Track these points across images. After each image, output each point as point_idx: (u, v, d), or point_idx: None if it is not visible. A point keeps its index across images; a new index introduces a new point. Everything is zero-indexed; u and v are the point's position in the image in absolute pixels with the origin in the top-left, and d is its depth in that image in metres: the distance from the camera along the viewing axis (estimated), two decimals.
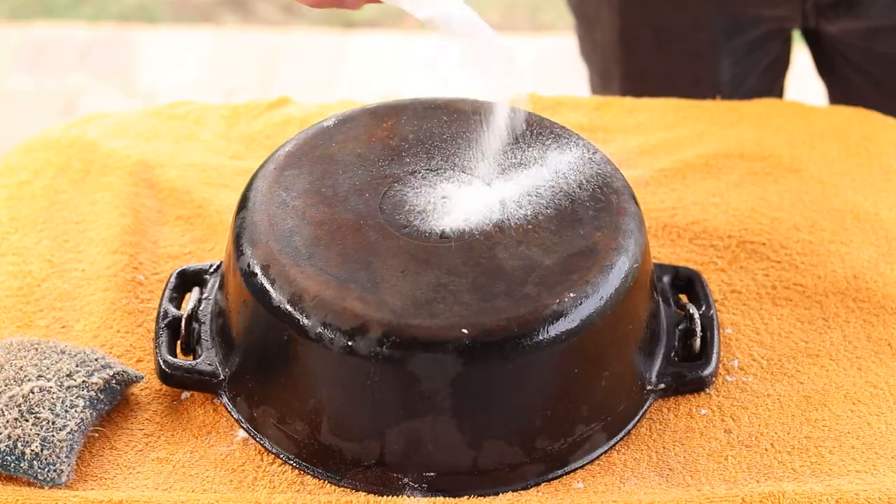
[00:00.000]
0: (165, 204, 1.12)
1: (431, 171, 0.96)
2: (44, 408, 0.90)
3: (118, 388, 0.94)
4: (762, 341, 1.01)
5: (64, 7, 2.94)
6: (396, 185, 0.95)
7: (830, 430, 0.94)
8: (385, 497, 0.89)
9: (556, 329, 0.87)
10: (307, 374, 0.90)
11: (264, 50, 2.64)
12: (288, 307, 0.88)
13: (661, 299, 1.00)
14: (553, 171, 0.97)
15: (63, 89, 2.71)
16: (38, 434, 0.89)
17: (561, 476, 0.91)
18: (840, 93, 1.38)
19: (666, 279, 1.01)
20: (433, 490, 0.89)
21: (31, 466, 0.88)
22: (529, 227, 0.92)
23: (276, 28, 2.68)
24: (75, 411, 0.91)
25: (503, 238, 0.91)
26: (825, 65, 1.38)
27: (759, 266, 1.06)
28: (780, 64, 1.39)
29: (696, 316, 0.98)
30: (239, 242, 0.93)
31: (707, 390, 0.97)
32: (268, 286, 0.89)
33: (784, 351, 1.00)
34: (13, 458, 0.88)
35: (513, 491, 0.90)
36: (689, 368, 0.96)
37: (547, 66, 2.53)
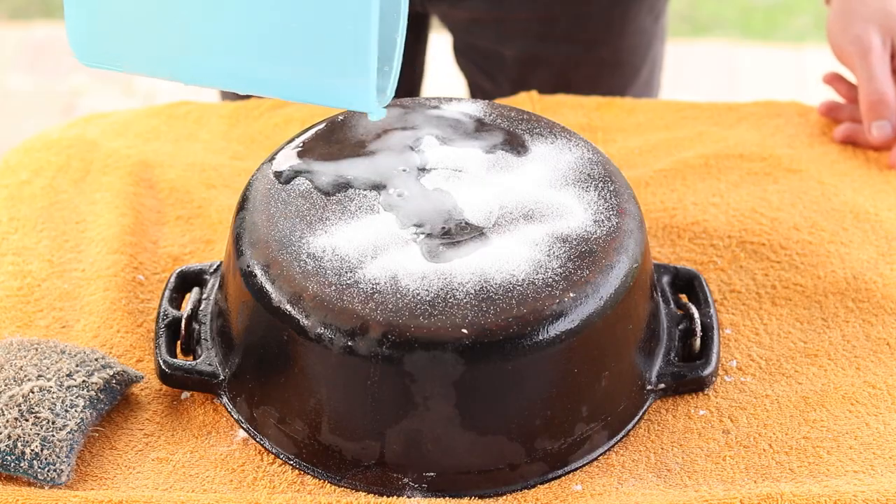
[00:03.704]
0: (165, 204, 1.12)
1: (431, 170, 0.96)
2: (44, 407, 0.90)
3: (118, 387, 0.94)
4: (761, 341, 1.01)
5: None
6: (397, 184, 0.95)
7: (828, 430, 0.94)
8: (385, 497, 0.89)
9: (556, 329, 0.87)
10: (307, 375, 0.90)
11: None
12: (288, 307, 0.88)
13: (660, 299, 1.00)
14: (553, 171, 0.97)
15: (63, 89, 2.71)
16: (38, 434, 0.89)
17: (561, 476, 0.91)
18: (472, 84, 1.41)
19: (666, 279, 1.02)
20: (433, 490, 0.89)
21: (31, 466, 0.88)
22: (527, 227, 0.92)
23: None
24: (75, 411, 0.91)
25: (503, 238, 0.91)
26: (455, 52, 1.41)
27: (758, 266, 1.06)
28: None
29: (697, 316, 0.98)
30: (239, 243, 0.93)
31: (706, 391, 0.97)
32: (268, 286, 0.90)
33: (783, 351, 1.00)
34: (13, 457, 0.88)
35: (513, 492, 0.90)
36: (688, 368, 0.96)
37: None
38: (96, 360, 0.95)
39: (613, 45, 1.35)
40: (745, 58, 2.86)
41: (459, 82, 1.47)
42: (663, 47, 1.44)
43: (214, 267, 1.02)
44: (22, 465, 0.88)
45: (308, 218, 0.93)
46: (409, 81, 1.45)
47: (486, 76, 1.39)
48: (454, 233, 0.92)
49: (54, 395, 0.91)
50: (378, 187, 0.95)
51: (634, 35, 1.36)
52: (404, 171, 0.96)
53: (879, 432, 0.94)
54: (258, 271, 0.90)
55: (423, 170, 0.96)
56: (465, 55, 1.40)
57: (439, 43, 1.55)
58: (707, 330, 0.98)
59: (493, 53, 1.36)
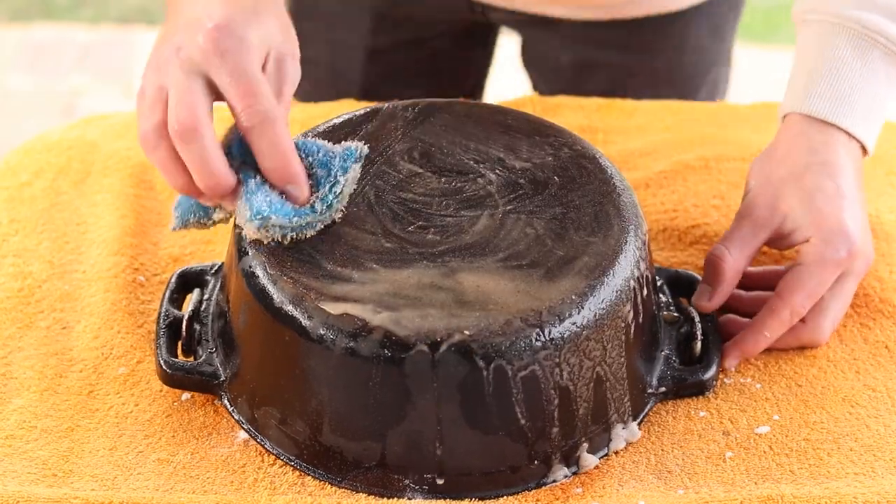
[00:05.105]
0: (166, 205, 1.12)
1: (433, 172, 0.97)
2: None
3: None
4: None
5: (64, 8, 2.94)
6: (398, 186, 0.96)
7: (829, 432, 0.94)
8: (385, 499, 0.89)
9: (557, 332, 0.87)
10: (308, 376, 0.90)
11: None
12: (290, 308, 0.88)
13: (661, 302, 1.00)
14: (553, 173, 0.97)
15: (63, 90, 2.71)
16: None
17: (562, 478, 0.91)
18: (534, 86, 1.43)
19: (666, 282, 1.02)
20: (434, 492, 0.89)
21: None
22: (530, 229, 0.92)
23: None
24: None
25: (504, 240, 0.92)
26: (521, 54, 1.42)
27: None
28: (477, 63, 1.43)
29: (697, 320, 0.98)
30: (240, 244, 0.93)
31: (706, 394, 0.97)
32: (269, 288, 0.90)
33: (782, 353, 1.00)
34: None
35: (514, 493, 0.90)
36: (689, 372, 0.96)
37: None
38: None
39: (669, 58, 1.34)
40: (745, 60, 2.86)
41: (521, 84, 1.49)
42: (727, 72, 1.42)
43: (216, 268, 1.02)
44: None
45: None
46: (472, 83, 1.46)
47: (544, 80, 1.39)
48: (455, 235, 0.92)
49: None
50: (380, 189, 0.95)
51: (693, 52, 1.34)
52: (406, 173, 0.96)
53: (880, 434, 0.94)
54: (259, 273, 0.90)
55: (424, 172, 0.97)
56: (528, 58, 1.41)
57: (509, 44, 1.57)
58: (707, 334, 0.98)
59: (550, 58, 1.36)
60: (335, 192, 0.91)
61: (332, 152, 0.93)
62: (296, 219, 0.90)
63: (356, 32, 1.07)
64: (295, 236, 0.90)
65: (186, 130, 0.86)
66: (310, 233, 0.90)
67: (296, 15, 1.37)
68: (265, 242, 0.90)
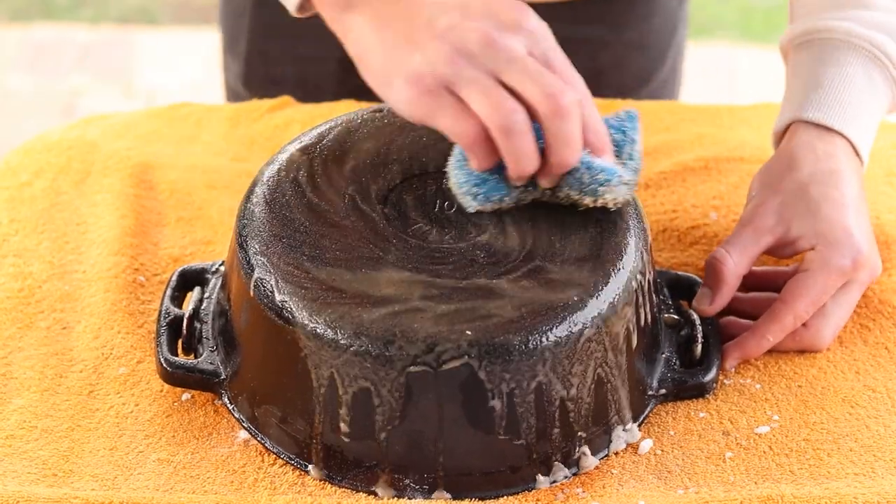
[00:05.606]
0: (166, 205, 1.12)
1: (434, 172, 0.97)
2: None
3: None
4: None
5: (64, 8, 2.94)
6: (401, 187, 0.96)
7: (829, 432, 0.94)
8: (386, 499, 0.89)
9: (557, 333, 0.87)
10: (309, 375, 0.90)
11: None
12: (291, 308, 0.88)
13: (661, 305, 1.00)
14: None
15: (63, 89, 2.71)
16: None
17: (562, 479, 0.91)
18: None
19: (667, 285, 1.02)
20: (434, 491, 0.89)
21: None
22: (531, 230, 0.92)
23: None
24: None
25: (504, 242, 0.92)
26: None
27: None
28: None
29: (698, 323, 0.98)
30: (242, 242, 0.93)
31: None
32: (270, 287, 0.90)
33: (781, 354, 1.00)
34: None
35: (514, 493, 0.90)
36: (689, 374, 0.96)
37: None
38: None
39: (640, 28, 1.36)
40: (745, 60, 2.86)
41: None
42: (685, 34, 1.44)
43: (216, 266, 1.02)
44: None
45: (312, 219, 0.93)
46: None
47: None
48: (456, 236, 0.92)
49: None
50: (383, 189, 0.95)
51: (660, 17, 1.36)
52: (409, 173, 0.96)
53: (880, 434, 0.94)
54: (263, 273, 0.90)
55: (426, 172, 0.97)
56: None
57: None
58: (708, 336, 0.98)
59: None
60: (638, 151, 0.95)
61: (620, 118, 0.96)
62: (624, 177, 0.93)
63: (323, 45, 1.05)
64: (616, 199, 0.93)
65: (569, 104, 0.88)
66: (631, 192, 0.94)
67: (257, 35, 1.36)
68: (613, 204, 0.93)
